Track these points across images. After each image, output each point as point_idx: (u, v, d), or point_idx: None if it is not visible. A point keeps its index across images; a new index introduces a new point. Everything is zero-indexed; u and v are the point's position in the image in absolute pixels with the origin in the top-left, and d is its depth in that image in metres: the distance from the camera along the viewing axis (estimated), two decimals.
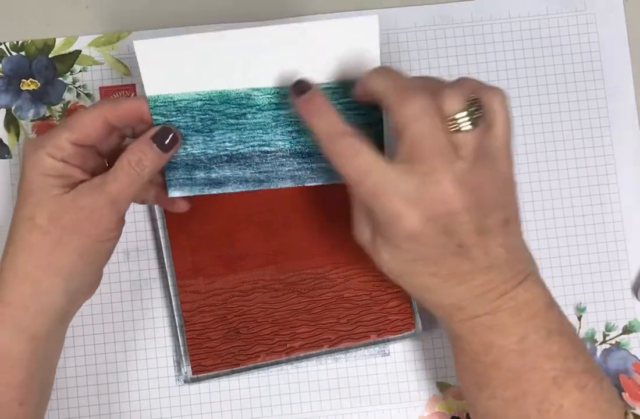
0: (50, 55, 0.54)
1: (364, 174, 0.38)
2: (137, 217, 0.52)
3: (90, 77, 0.54)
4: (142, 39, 0.42)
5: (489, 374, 0.41)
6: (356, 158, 0.38)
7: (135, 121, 0.44)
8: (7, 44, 0.54)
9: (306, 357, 0.51)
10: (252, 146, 0.46)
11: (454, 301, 0.41)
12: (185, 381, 0.51)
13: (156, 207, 0.51)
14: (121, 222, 0.44)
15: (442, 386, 0.52)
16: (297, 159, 0.46)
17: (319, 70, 0.43)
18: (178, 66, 0.43)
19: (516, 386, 0.41)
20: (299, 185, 0.47)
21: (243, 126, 0.45)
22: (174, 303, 0.51)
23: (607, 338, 0.53)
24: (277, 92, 0.44)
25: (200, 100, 0.44)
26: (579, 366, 0.41)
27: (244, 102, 0.44)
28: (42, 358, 0.43)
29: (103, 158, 0.46)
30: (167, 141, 0.43)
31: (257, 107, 0.44)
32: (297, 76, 0.42)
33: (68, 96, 0.53)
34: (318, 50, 0.43)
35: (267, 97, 0.44)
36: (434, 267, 0.40)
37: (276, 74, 0.43)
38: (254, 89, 0.44)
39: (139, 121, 0.44)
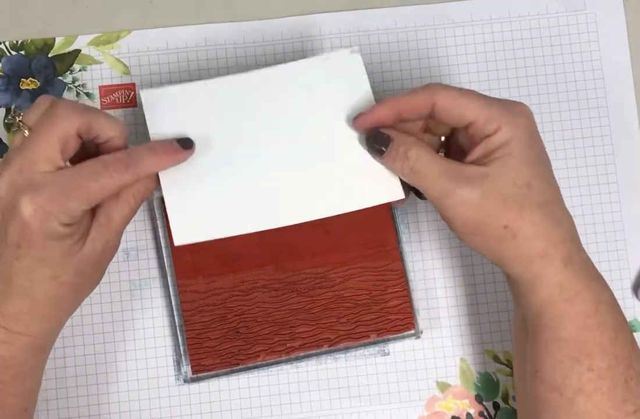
0: (49, 55, 0.54)
1: None
2: (136, 216, 0.52)
3: (90, 76, 0.54)
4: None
5: (594, 340, 0.41)
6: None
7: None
8: (7, 44, 0.54)
9: (306, 357, 0.51)
10: None
11: (570, 226, 0.43)
12: (185, 381, 0.51)
13: (156, 206, 0.51)
14: None
15: (442, 386, 0.52)
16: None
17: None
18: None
19: (612, 351, 0.41)
20: None
21: None
22: (173, 303, 0.51)
23: None
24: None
25: None
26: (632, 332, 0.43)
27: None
28: (43, 367, 0.46)
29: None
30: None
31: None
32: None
33: (68, 95, 0.53)
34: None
35: None
36: (550, 172, 0.43)
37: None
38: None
39: None
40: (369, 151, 0.44)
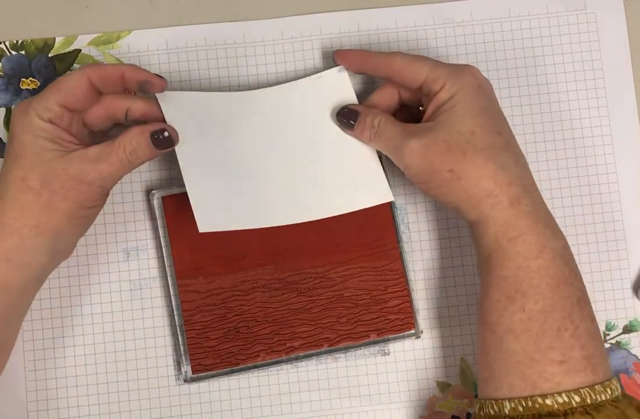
0: (50, 55, 0.54)
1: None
2: (137, 216, 0.52)
3: None
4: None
5: (531, 282, 0.43)
6: None
7: (117, 83, 0.46)
8: (7, 43, 0.54)
9: (306, 356, 0.51)
10: None
11: (521, 174, 0.44)
12: (185, 381, 0.51)
13: (156, 206, 0.51)
14: (106, 195, 0.47)
15: (442, 386, 0.52)
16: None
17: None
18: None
19: (550, 297, 0.43)
20: None
21: None
22: (173, 303, 0.51)
23: (608, 338, 0.53)
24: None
25: None
26: (589, 300, 0.45)
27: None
28: (12, 309, 0.45)
29: (88, 129, 0.48)
30: (163, 139, 0.46)
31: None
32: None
33: None
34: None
35: None
36: (499, 124, 0.46)
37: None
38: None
39: (120, 83, 0.47)
40: (339, 126, 0.49)
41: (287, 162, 0.49)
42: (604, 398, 0.41)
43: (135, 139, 0.45)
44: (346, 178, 0.49)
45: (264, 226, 0.48)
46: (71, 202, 0.44)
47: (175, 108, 0.48)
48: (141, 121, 0.48)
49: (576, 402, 0.41)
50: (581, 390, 0.41)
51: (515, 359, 0.43)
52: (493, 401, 0.43)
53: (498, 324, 0.43)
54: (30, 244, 0.44)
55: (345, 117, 0.48)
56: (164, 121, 0.48)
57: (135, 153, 0.45)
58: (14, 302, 0.45)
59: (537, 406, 0.41)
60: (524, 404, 0.42)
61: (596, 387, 0.42)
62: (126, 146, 0.45)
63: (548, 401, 0.41)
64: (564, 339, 0.42)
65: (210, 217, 0.47)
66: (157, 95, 0.48)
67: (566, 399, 0.41)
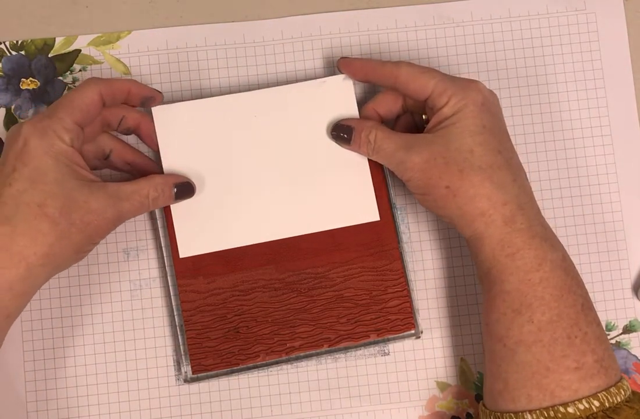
0: (50, 55, 0.54)
1: None
2: (137, 216, 0.52)
3: (90, 76, 0.53)
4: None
5: (535, 294, 0.43)
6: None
7: (122, 98, 0.48)
8: (7, 44, 0.54)
9: (306, 356, 0.51)
10: None
11: (518, 192, 0.44)
12: (185, 381, 0.51)
13: None
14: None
15: (442, 386, 0.52)
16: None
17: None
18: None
19: (555, 307, 0.43)
20: None
21: None
22: (173, 303, 0.51)
23: (608, 338, 0.53)
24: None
25: None
26: (592, 305, 0.45)
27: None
28: (2, 334, 0.45)
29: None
30: (185, 192, 0.49)
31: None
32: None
33: None
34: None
35: None
36: (500, 142, 0.45)
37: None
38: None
39: (125, 98, 0.48)
40: (336, 142, 0.50)
41: (280, 175, 0.50)
42: (619, 400, 0.42)
43: (161, 188, 0.47)
44: (336, 194, 0.50)
45: (248, 244, 0.50)
46: (85, 236, 0.44)
47: (168, 122, 0.50)
48: (131, 130, 0.50)
49: (596, 407, 0.41)
50: (599, 395, 0.42)
51: (530, 370, 0.43)
52: (512, 414, 0.43)
53: (507, 337, 0.43)
54: (35, 273, 0.43)
55: (340, 132, 0.49)
56: (155, 133, 0.50)
57: (156, 200, 0.47)
58: (5, 327, 0.44)
59: (559, 415, 0.41)
60: (545, 414, 0.42)
61: (611, 390, 0.42)
62: (150, 192, 0.46)
63: (570, 410, 0.41)
64: (576, 346, 0.42)
65: (192, 242, 0.50)
66: (153, 110, 0.50)
67: (587, 405, 0.41)
